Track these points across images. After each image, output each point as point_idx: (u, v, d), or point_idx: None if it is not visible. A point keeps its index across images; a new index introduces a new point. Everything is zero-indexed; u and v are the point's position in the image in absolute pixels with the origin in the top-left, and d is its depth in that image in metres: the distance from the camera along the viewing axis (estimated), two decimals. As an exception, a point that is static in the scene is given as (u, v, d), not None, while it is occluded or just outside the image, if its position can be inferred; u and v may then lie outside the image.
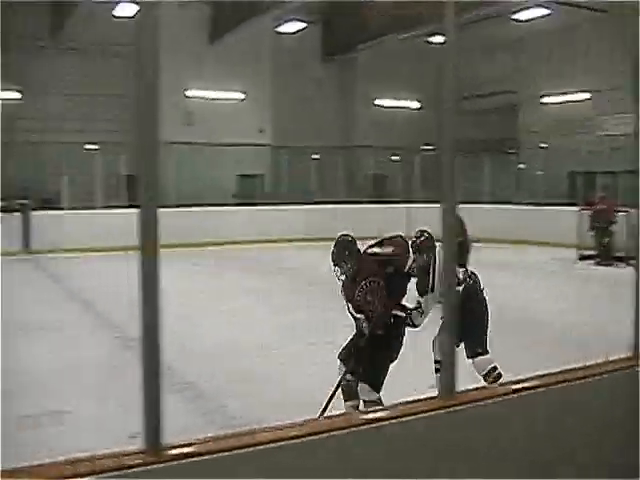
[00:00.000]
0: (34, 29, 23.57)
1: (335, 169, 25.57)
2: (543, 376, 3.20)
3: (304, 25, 25.84)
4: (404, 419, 2.85)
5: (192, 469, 2.54)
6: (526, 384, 3.11)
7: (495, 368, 6.00)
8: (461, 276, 6.07)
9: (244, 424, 5.70)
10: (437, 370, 5.90)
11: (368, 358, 5.56)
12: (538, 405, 3.07)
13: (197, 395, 6.76)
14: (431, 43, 25.58)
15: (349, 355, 5.68)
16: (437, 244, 6.07)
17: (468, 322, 5.55)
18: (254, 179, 25.60)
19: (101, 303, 11.94)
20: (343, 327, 6.18)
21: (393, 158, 25.97)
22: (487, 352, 6.07)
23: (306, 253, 19.01)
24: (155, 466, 2.46)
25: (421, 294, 6.13)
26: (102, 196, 21.31)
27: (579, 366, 3.31)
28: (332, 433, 2.72)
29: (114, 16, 22.34)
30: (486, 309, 6.20)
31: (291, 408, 4.91)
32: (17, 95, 23.54)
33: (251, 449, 2.61)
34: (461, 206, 3.16)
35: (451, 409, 2.89)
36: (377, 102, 29.24)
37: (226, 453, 2.58)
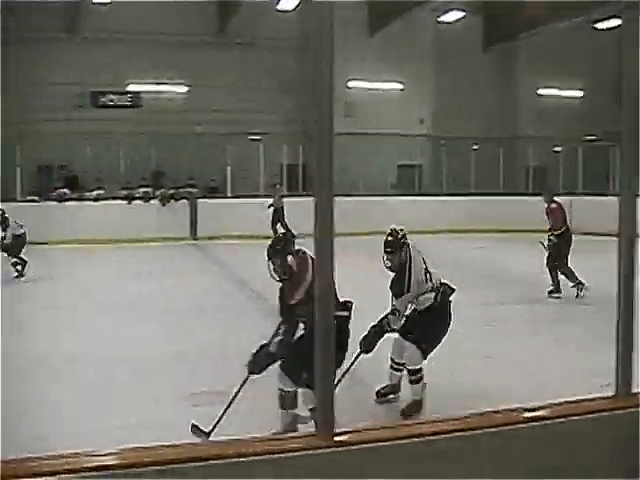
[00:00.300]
0: (200, 27, 24.46)
1: (495, 160, 25.11)
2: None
3: (464, 14, 25.46)
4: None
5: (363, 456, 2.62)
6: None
7: (420, 370, 5.98)
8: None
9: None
10: (392, 367, 6.24)
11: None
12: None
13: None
14: (597, 29, 24.64)
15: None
16: (410, 242, 6.19)
17: (434, 325, 6.02)
18: (413, 169, 25.52)
19: (267, 290, 12.20)
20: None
21: (555, 149, 25.19)
22: (424, 358, 6.00)
23: (462, 244, 18.80)
24: (326, 450, 2.53)
25: (397, 296, 6.02)
26: (264, 185, 21.93)
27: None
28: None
29: (277, 10, 22.92)
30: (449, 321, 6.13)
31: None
32: (184, 89, 24.57)
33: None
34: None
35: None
36: (539, 92, 28.45)
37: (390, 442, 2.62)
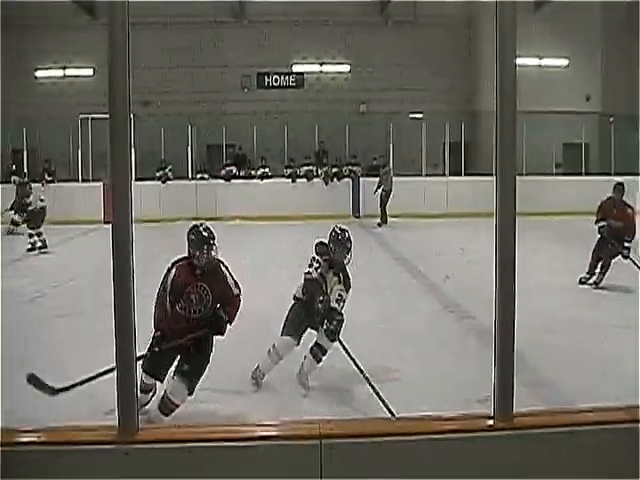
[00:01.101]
0: (362, 7, 24.50)
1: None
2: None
3: (637, -16, 24.25)
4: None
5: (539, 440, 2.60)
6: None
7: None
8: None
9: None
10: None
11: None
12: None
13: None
14: None
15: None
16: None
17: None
18: (579, 148, 24.63)
19: (427, 269, 12.24)
20: None
21: None
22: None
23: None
24: (504, 432, 2.53)
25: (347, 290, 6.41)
26: (426, 164, 21.84)
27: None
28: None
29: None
30: None
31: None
32: (347, 68, 24.75)
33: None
34: None
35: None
36: None
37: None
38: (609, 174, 22.51)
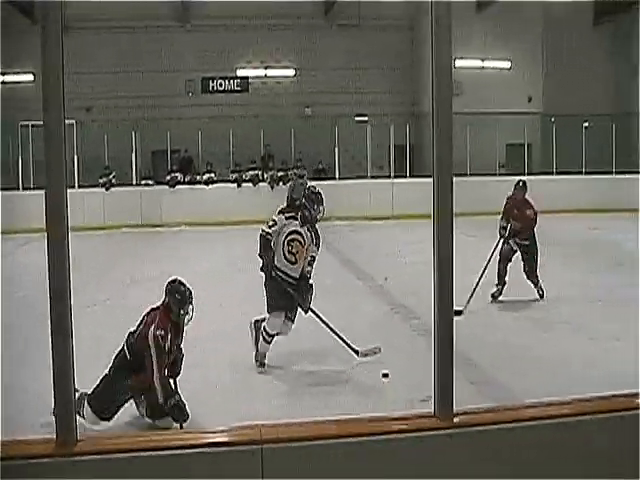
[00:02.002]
0: (306, 10, 24.55)
1: (608, 137, 24.35)
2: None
3: (574, -12, 24.71)
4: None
5: (480, 437, 2.61)
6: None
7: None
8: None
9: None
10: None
11: None
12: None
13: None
14: None
15: None
16: None
17: None
18: (522, 148, 25.00)
19: (370, 269, 12.30)
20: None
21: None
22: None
23: (576, 224, 18.40)
24: (445, 431, 2.54)
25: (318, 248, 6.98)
26: (371, 166, 21.97)
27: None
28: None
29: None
30: None
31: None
32: (292, 72, 24.77)
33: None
34: None
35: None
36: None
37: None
38: (551, 173, 22.93)
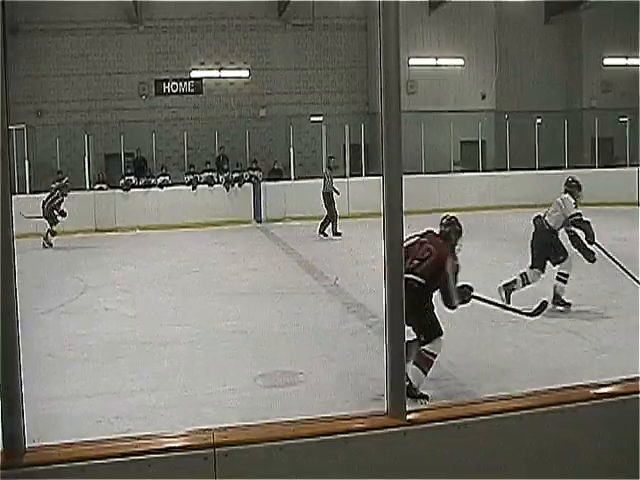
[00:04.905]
0: (259, 11, 24.50)
1: (559, 133, 24.67)
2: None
3: (526, -15, 24.99)
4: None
5: (434, 433, 2.62)
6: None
7: None
8: None
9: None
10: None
11: None
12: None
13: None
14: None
15: None
16: None
17: None
18: (476, 146, 25.20)
19: (327, 269, 12.31)
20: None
21: (621, 120, 24.62)
22: None
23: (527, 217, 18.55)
24: (398, 429, 2.54)
25: None
26: (325, 166, 21.98)
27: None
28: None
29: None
30: None
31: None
32: (246, 73, 24.68)
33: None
34: None
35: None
36: (605, 61, 27.83)
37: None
38: (505, 169, 23.17)
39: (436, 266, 5.82)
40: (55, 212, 16.29)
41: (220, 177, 21.45)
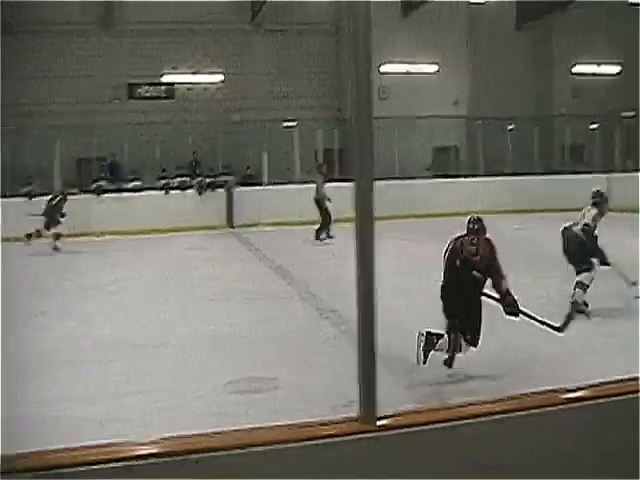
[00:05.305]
0: (233, 16, 24.48)
1: (531, 139, 24.89)
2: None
3: (497, -6, 25.16)
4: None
5: (406, 440, 2.59)
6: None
7: None
8: None
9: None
10: None
11: None
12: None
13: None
14: (632, 5, 24.34)
15: None
16: None
17: None
18: (449, 151, 25.34)
19: (299, 274, 12.30)
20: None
21: (591, 127, 24.91)
22: None
23: (500, 224, 18.70)
24: (369, 435, 2.52)
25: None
26: (300, 171, 21.98)
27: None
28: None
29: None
30: None
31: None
32: (219, 78, 24.61)
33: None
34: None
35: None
36: (575, 69, 28.15)
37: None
38: (478, 175, 23.31)
39: (489, 259, 6.45)
40: (57, 214, 16.81)
41: (193, 182, 21.38)
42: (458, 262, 6.53)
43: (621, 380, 2.93)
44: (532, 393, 2.87)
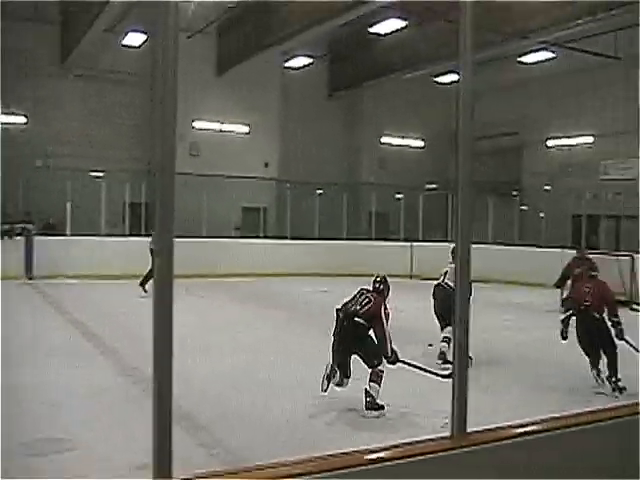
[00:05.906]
0: (43, 55, 23.73)
1: (339, 205, 25.62)
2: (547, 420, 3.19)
3: (311, 60, 25.97)
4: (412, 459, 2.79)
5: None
6: (535, 427, 3.08)
7: None
8: None
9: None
10: None
11: None
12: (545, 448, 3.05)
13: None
14: (438, 83, 25.98)
15: None
16: None
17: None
18: (258, 212, 25.60)
19: (101, 330, 11.93)
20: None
21: (397, 196, 26.04)
22: None
23: (307, 287, 19.06)
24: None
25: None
26: (106, 223, 21.42)
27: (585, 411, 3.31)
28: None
29: (123, 45, 22.72)
30: None
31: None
32: (22, 120, 23.64)
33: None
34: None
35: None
36: (382, 140, 29.50)
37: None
38: (285, 237, 23.68)
39: (374, 311, 7.28)
40: None
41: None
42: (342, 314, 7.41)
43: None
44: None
